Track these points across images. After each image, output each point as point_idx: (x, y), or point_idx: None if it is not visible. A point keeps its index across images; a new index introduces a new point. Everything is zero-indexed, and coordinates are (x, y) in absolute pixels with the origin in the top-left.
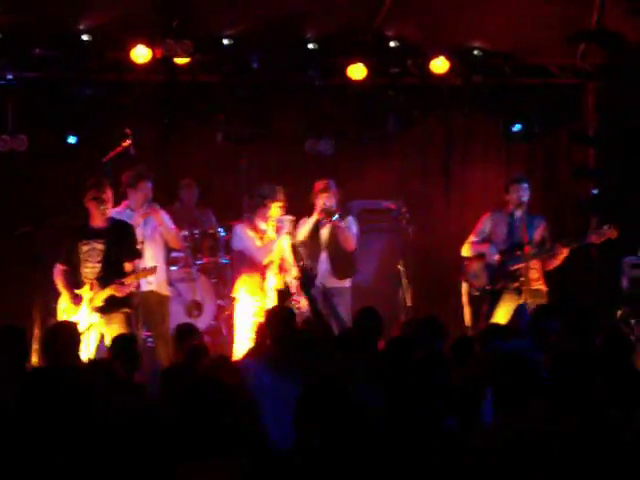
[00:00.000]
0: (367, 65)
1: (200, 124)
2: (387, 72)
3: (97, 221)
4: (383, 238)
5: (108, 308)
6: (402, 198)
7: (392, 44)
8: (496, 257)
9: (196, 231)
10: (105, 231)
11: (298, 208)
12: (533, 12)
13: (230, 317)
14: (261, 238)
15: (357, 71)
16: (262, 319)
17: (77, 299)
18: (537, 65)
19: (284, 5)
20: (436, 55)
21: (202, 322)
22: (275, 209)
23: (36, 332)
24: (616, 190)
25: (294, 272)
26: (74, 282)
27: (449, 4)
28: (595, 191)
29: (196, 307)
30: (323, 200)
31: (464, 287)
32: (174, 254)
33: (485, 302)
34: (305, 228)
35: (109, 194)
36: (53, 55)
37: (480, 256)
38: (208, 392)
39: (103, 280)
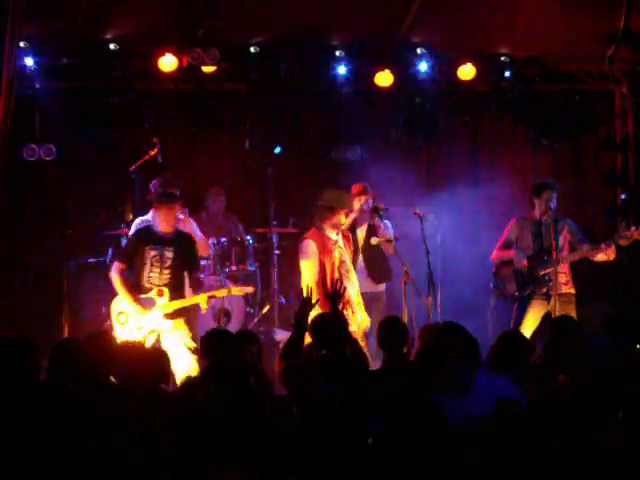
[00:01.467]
0: (394, 72)
1: (227, 132)
2: (414, 79)
3: (165, 228)
4: (412, 245)
5: (175, 314)
6: (430, 205)
7: (419, 51)
8: (524, 262)
9: (224, 239)
10: (173, 239)
11: None
12: (560, 18)
13: (258, 325)
14: (331, 249)
15: (384, 78)
16: None
17: (149, 303)
18: (564, 71)
19: (311, 12)
20: (463, 61)
21: (230, 330)
22: (344, 217)
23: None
24: None
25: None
26: (130, 284)
27: (476, 10)
28: (624, 196)
29: (224, 314)
30: (362, 202)
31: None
32: (202, 262)
33: (514, 308)
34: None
35: (177, 206)
36: (80, 64)
37: (509, 262)
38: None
39: (172, 287)
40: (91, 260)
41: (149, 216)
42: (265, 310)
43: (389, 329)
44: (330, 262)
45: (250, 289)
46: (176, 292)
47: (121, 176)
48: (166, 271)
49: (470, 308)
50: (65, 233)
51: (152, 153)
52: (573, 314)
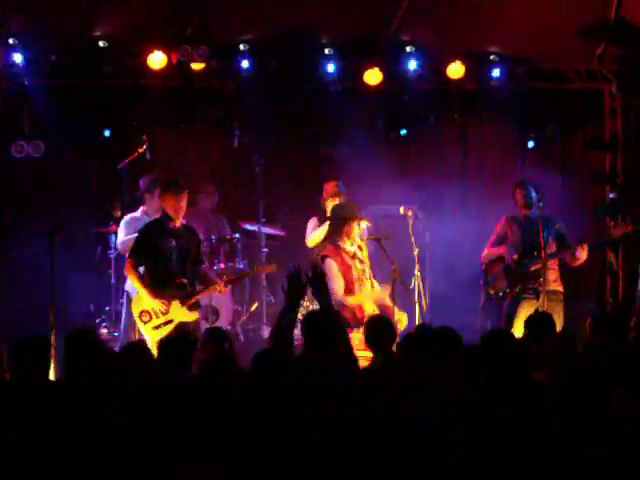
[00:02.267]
0: (383, 70)
1: (216, 129)
2: (403, 77)
3: (176, 217)
4: (399, 243)
5: (197, 306)
6: (418, 203)
7: (408, 49)
8: (515, 257)
9: (213, 236)
10: (182, 231)
11: (314, 212)
12: (550, 17)
13: (247, 322)
14: (351, 259)
15: (373, 76)
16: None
17: (170, 296)
18: (553, 70)
19: (300, 11)
20: (452, 60)
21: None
22: (357, 228)
23: (52, 338)
24: (634, 194)
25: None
26: (147, 281)
27: (465, 9)
28: (612, 195)
29: (213, 312)
30: (336, 202)
31: (482, 294)
32: None
33: (503, 307)
34: (318, 233)
35: (185, 197)
36: (69, 61)
37: (499, 259)
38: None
39: (189, 279)
40: (80, 257)
41: (138, 213)
42: (253, 308)
43: (375, 328)
44: (350, 275)
45: (275, 267)
46: (193, 283)
47: (110, 173)
48: (180, 263)
49: (459, 305)
50: (53, 231)
51: (140, 150)
52: (561, 312)
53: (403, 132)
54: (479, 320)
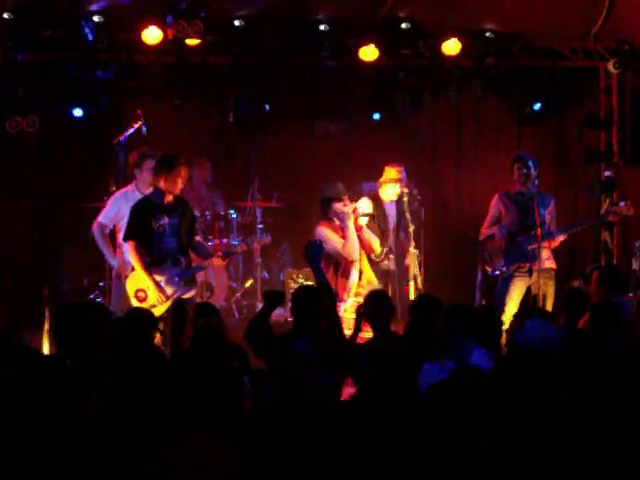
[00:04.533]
0: (379, 47)
1: (210, 105)
2: (399, 54)
3: (167, 197)
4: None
5: (193, 281)
6: (413, 180)
7: (404, 25)
8: (504, 237)
9: (207, 213)
10: (175, 206)
11: (309, 189)
12: None
13: (241, 299)
14: (343, 237)
15: (369, 53)
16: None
17: (167, 273)
18: (549, 47)
19: None
20: (448, 37)
21: (213, 303)
22: (342, 206)
23: (46, 313)
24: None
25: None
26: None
27: None
28: (607, 173)
29: (207, 288)
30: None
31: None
32: None
33: (497, 284)
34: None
35: (183, 172)
36: (64, 36)
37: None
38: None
39: (184, 254)
40: (73, 232)
41: (130, 188)
42: (248, 284)
43: (375, 303)
44: None
45: (268, 239)
46: (189, 258)
47: (104, 148)
48: (175, 239)
49: (456, 282)
50: (47, 207)
51: (136, 125)
52: (553, 290)
53: (376, 117)
54: (477, 297)
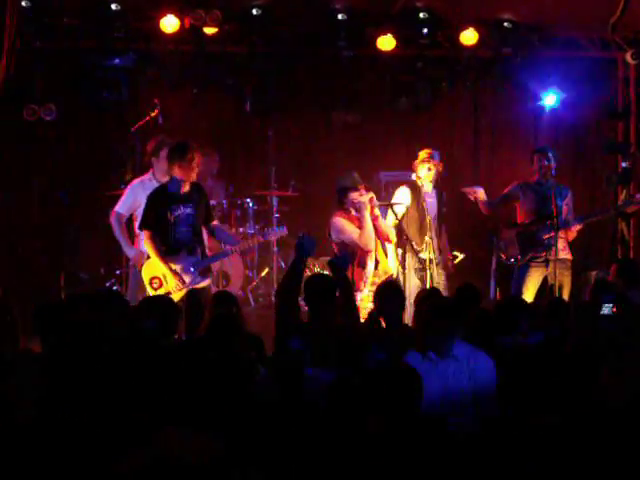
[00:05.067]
0: (396, 36)
1: (228, 94)
2: (416, 43)
3: (184, 186)
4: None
5: (207, 271)
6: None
7: (421, 15)
8: (487, 208)
9: (224, 201)
10: (190, 195)
11: (325, 178)
12: None
13: (257, 287)
14: (359, 227)
15: (386, 42)
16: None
17: (183, 262)
18: (567, 38)
19: None
20: (465, 27)
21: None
22: (358, 195)
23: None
24: None
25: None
26: (161, 249)
27: None
28: (625, 164)
29: (223, 277)
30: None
31: (493, 259)
32: None
33: (513, 274)
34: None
35: (197, 158)
36: (82, 25)
37: (513, 225)
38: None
39: (200, 244)
40: (90, 220)
41: (147, 177)
42: (264, 273)
43: (386, 294)
44: None
45: (285, 232)
46: (204, 248)
47: (122, 137)
48: (191, 228)
49: (473, 272)
50: (65, 195)
51: (153, 114)
52: (569, 280)
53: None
54: (491, 285)
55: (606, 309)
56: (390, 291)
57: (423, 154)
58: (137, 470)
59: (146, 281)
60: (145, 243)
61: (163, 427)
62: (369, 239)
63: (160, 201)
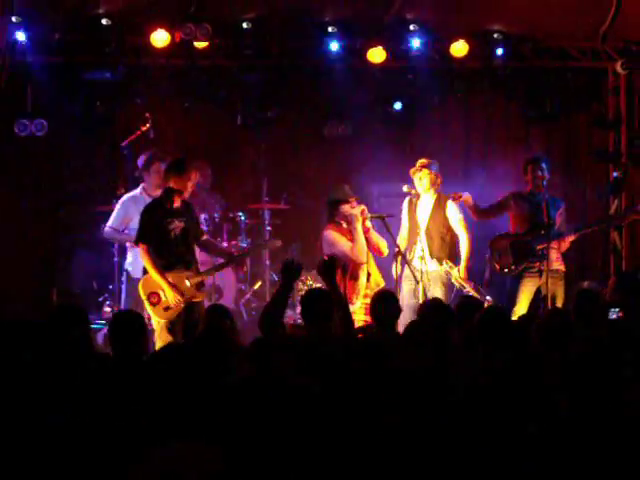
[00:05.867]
0: (387, 48)
1: (219, 108)
2: (407, 55)
3: (176, 201)
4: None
5: (202, 285)
6: None
7: (412, 27)
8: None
9: (216, 215)
10: (182, 210)
11: (317, 190)
12: None
13: (250, 301)
14: (351, 240)
15: (377, 54)
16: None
17: (179, 278)
18: (557, 48)
19: None
20: (456, 38)
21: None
22: (349, 208)
23: None
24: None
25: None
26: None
27: None
28: (615, 174)
29: (215, 291)
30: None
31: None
32: None
33: (507, 284)
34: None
35: (193, 175)
36: (73, 39)
37: (506, 235)
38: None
39: (194, 259)
40: (83, 235)
41: (138, 191)
42: (257, 286)
43: (382, 303)
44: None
45: (278, 242)
46: (197, 262)
47: (113, 151)
48: (185, 242)
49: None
50: (57, 210)
51: (144, 128)
52: (562, 290)
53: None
54: (483, 294)
55: (613, 314)
56: (386, 299)
57: (417, 164)
58: None
59: (144, 297)
60: (142, 257)
61: (162, 441)
62: (361, 252)
63: (156, 214)
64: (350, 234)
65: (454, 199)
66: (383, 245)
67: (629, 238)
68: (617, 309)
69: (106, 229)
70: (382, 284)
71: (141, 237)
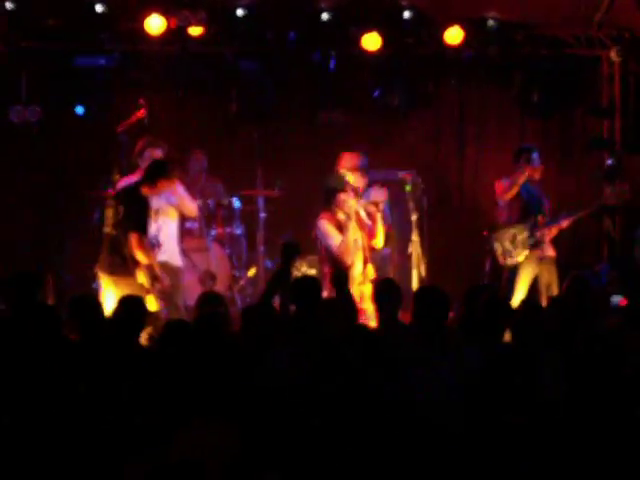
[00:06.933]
0: (381, 35)
1: (213, 95)
2: (401, 42)
3: None
4: (397, 209)
5: None
6: (416, 169)
7: (406, 14)
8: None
9: (210, 201)
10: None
11: (311, 178)
12: None
13: (244, 288)
14: (341, 231)
15: (371, 41)
16: None
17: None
18: (552, 36)
19: None
20: (450, 25)
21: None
22: (347, 197)
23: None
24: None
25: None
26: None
27: None
28: (610, 161)
29: (210, 277)
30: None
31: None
32: (188, 225)
33: (506, 272)
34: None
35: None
36: (67, 25)
37: (503, 226)
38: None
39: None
40: (77, 221)
41: (135, 177)
42: (251, 273)
43: (384, 290)
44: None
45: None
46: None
47: (108, 138)
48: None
49: (459, 271)
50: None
51: (139, 115)
52: (556, 276)
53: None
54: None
55: (615, 300)
56: (388, 288)
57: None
58: (157, 471)
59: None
60: (137, 246)
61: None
62: (346, 252)
63: (143, 200)
64: (342, 227)
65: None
66: (378, 241)
67: (622, 225)
68: (619, 296)
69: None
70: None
71: (136, 225)
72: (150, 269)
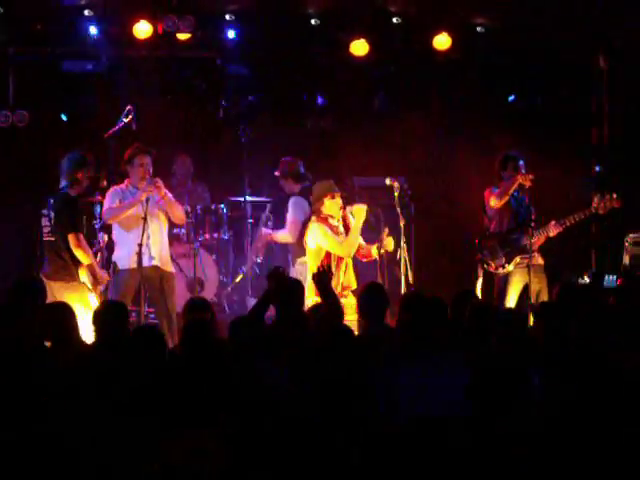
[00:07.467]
0: (370, 41)
1: (201, 100)
2: (389, 48)
3: None
4: (385, 215)
5: None
6: (404, 174)
7: (395, 20)
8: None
9: (198, 207)
10: None
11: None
12: None
13: (232, 294)
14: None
15: (360, 47)
16: None
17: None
18: (541, 42)
19: None
20: (439, 31)
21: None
22: (334, 204)
23: None
24: (619, 167)
25: None
26: None
27: None
28: (598, 168)
29: (197, 283)
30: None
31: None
32: (176, 231)
33: (496, 281)
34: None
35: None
36: (54, 31)
37: (492, 235)
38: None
39: None
40: None
41: (124, 184)
42: (238, 279)
43: (370, 296)
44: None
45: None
46: None
47: (95, 143)
48: None
49: (446, 278)
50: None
51: (126, 120)
52: (545, 283)
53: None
54: (479, 293)
55: (611, 282)
56: (376, 293)
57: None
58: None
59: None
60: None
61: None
62: (353, 245)
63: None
64: (335, 229)
65: None
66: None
67: (611, 232)
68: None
69: (105, 209)
70: (354, 287)
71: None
72: (91, 268)
